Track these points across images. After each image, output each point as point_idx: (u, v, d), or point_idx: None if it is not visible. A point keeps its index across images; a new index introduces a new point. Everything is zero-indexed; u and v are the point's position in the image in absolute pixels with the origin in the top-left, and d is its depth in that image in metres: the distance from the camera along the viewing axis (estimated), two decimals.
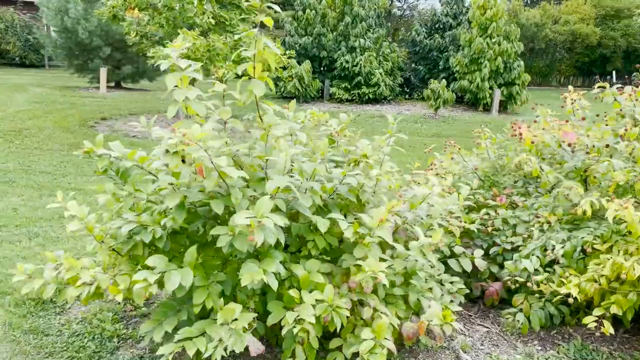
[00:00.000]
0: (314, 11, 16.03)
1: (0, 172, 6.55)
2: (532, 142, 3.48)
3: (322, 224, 2.54)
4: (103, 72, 15.08)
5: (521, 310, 3.18)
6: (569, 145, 3.50)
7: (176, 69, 2.65)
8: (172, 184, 2.39)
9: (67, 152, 7.99)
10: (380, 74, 15.60)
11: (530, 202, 3.50)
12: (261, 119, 2.91)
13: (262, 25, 2.74)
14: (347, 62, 15.60)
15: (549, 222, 3.24)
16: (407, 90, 17.68)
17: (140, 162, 2.78)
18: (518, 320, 3.13)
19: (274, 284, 2.35)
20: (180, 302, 2.61)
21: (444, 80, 14.07)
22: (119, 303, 3.34)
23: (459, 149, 4.13)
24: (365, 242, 2.59)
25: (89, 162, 7.45)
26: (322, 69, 16.57)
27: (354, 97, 15.94)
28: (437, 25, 17.73)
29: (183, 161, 2.38)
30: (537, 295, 3.21)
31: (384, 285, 2.65)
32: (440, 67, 17.20)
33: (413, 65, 17.79)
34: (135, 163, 2.78)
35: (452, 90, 14.83)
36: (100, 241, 2.58)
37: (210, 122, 2.90)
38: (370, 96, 15.80)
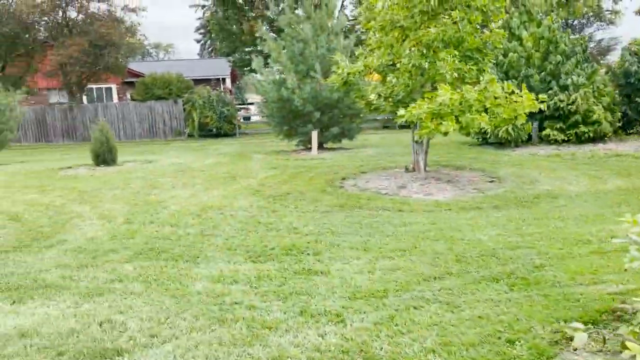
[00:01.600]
0: (516, 54, 15.62)
1: (318, 235, 6.91)
2: None
3: None
4: (314, 135, 16.02)
5: None
6: None
7: None
8: None
9: (342, 212, 8.30)
10: (600, 110, 14.52)
11: None
12: None
13: None
14: (561, 101, 14.79)
15: None
16: (622, 125, 16.23)
17: None
18: None
19: None
20: None
21: None
22: None
23: None
24: None
25: (376, 222, 7.61)
26: None
27: (570, 137, 14.95)
28: None
29: None
30: None
31: None
32: None
33: (626, 98, 16.34)
34: None
35: None
36: None
37: None
38: (590, 134, 14.71)
